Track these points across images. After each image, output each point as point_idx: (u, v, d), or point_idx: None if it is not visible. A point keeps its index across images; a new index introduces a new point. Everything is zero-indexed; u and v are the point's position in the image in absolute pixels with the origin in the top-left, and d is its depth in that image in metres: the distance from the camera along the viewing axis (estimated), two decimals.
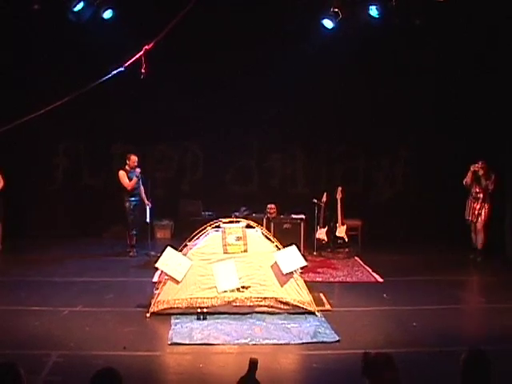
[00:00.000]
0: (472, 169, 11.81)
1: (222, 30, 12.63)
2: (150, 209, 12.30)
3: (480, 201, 11.91)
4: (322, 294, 9.32)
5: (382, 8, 11.46)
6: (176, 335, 7.64)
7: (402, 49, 12.78)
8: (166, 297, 8.38)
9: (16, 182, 12.68)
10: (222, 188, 14.10)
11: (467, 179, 11.91)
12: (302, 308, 8.45)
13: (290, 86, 12.73)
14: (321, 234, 12.41)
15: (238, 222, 9.05)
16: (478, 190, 11.91)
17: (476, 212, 11.94)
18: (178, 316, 8.25)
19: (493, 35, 11.75)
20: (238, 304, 8.41)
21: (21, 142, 12.67)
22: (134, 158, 12.11)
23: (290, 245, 8.92)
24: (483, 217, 11.89)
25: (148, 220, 12.34)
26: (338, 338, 7.58)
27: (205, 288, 8.42)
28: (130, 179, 12.02)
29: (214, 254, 8.59)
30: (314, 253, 12.36)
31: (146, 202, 12.26)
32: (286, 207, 12.57)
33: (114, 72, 8.04)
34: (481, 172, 11.78)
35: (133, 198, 12.10)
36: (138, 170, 12.07)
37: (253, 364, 3.59)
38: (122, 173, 12.06)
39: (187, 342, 7.45)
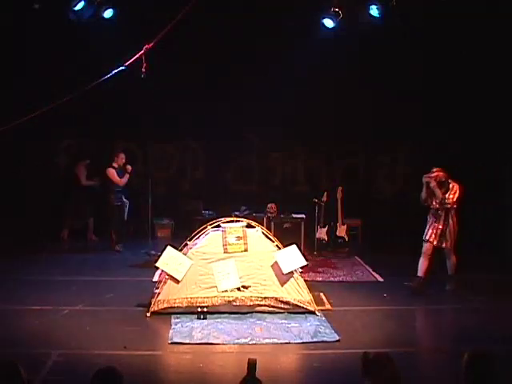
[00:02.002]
0: (424, 180, 9.64)
1: (223, 30, 12.64)
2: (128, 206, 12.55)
3: (442, 219, 9.58)
4: (322, 294, 9.33)
5: (382, 8, 11.46)
6: (176, 334, 7.64)
7: (403, 48, 12.75)
8: (167, 296, 8.38)
9: (16, 182, 12.68)
10: (222, 187, 14.11)
11: (423, 193, 9.68)
12: (303, 307, 8.45)
13: (291, 85, 12.72)
14: (321, 233, 12.42)
15: (239, 221, 9.05)
16: (438, 207, 9.62)
17: (439, 233, 9.62)
18: (178, 315, 8.25)
19: (493, 35, 11.73)
20: (238, 303, 8.41)
21: (21, 141, 12.66)
22: (122, 156, 12.37)
23: (291, 244, 8.91)
24: (452, 240, 9.66)
25: (125, 218, 12.55)
26: (338, 338, 7.58)
27: (205, 287, 8.42)
28: (119, 176, 12.23)
29: (215, 253, 8.59)
30: (315, 252, 12.36)
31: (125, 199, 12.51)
32: (287, 206, 12.57)
33: (115, 71, 8.05)
34: (432, 183, 9.57)
35: (123, 196, 12.32)
36: (129, 167, 12.28)
37: (252, 364, 3.59)
38: (112, 170, 12.27)
39: (187, 342, 7.45)
